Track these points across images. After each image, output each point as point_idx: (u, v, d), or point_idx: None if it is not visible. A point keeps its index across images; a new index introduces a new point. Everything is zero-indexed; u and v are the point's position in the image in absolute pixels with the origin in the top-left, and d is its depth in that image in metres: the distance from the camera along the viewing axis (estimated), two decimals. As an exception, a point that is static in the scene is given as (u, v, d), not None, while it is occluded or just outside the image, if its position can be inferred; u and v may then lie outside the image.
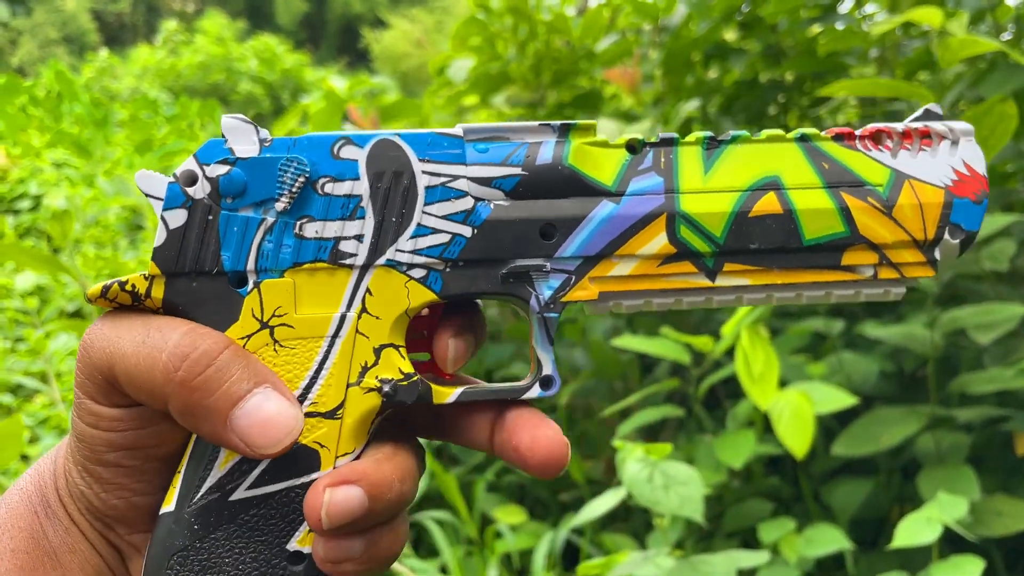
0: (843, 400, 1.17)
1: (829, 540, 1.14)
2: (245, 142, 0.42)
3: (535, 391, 0.45)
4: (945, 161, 0.46)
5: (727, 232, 0.44)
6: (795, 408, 1.12)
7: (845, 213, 0.45)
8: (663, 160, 0.45)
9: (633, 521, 1.70)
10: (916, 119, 0.47)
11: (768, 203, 0.45)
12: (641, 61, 2.17)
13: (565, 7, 2.05)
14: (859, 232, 0.45)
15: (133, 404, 0.41)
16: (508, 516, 1.62)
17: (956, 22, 1.05)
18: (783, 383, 1.32)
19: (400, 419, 0.47)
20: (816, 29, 1.87)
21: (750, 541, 1.44)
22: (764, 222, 0.44)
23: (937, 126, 0.46)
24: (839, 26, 1.75)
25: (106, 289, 0.42)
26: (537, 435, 0.42)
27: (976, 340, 1.37)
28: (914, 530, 1.05)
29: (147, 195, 0.42)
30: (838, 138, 0.46)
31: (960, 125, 0.46)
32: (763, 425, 1.38)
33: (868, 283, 0.46)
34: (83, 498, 0.43)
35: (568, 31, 1.94)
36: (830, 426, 1.58)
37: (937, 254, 0.46)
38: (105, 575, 0.44)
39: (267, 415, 0.39)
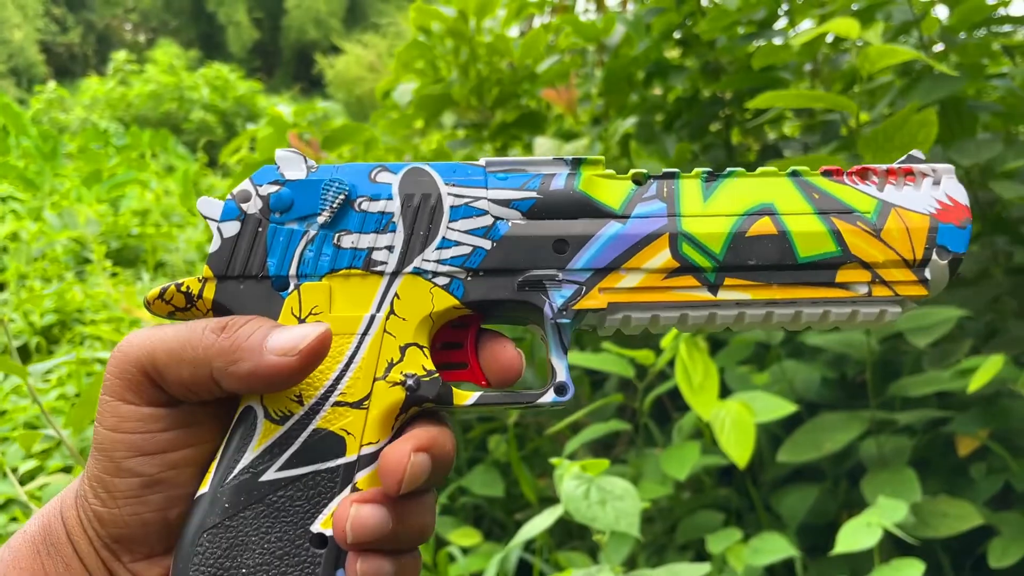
0: (783, 408, 1.18)
1: (775, 548, 1.15)
2: (295, 169, 0.48)
3: (549, 396, 0.48)
4: (928, 194, 0.50)
5: (726, 249, 0.48)
6: (736, 418, 1.13)
7: (836, 235, 0.48)
8: (666, 190, 0.49)
9: (589, 539, 1.70)
10: (900, 163, 0.51)
11: (763, 225, 0.48)
12: (585, 80, 2.19)
13: (506, 29, 2.07)
14: (851, 251, 0.48)
15: (162, 402, 0.44)
16: (462, 538, 1.61)
17: (872, 32, 1.08)
18: (728, 393, 1.33)
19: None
20: (754, 46, 1.91)
21: (703, 553, 1.45)
22: (760, 241, 0.48)
23: (920, 167, 0.50)
24: (777, 41, 1.79)
25: (163, 291, 0.47)
26: (389, 450, 0.44)
27: (914, 344, 1.40)
28: (855, 535, 1.06)
29: (206, 217, 0.48)
30: (827, 174, 0.50)
31: (942, 166, 0.50)
32: (710, 436, 1.39)
33: (864, 301, 0.49)
34: (94, 520, 0.44)
35: (509, 52, 1.96)
36: (778, 434, 1.59)
37: (928, 274, 0.49)
38: None
39: (295, 332, 0.43)
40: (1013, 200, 1.48)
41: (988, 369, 1.28)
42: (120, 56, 11.75)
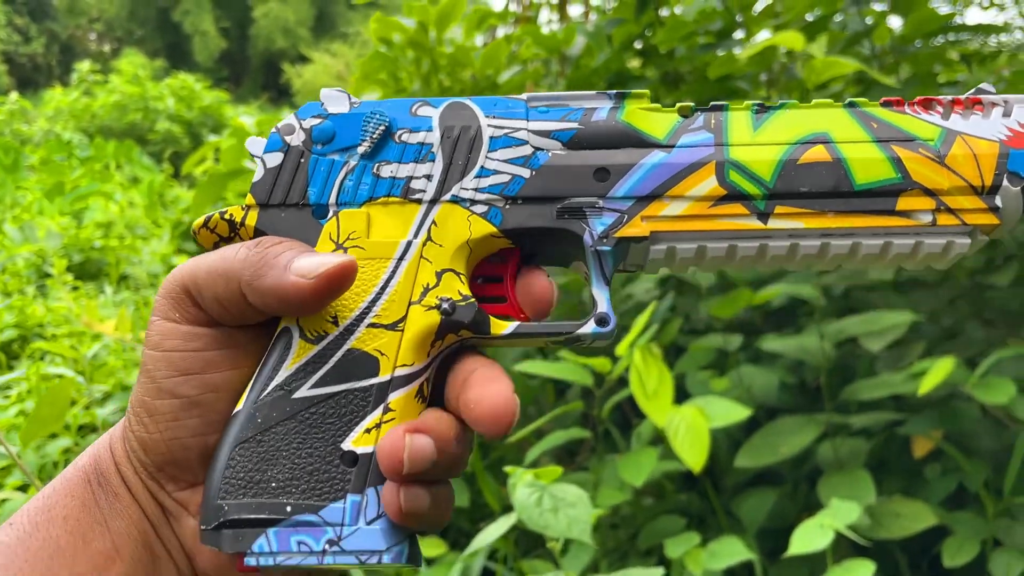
0: (738, 413, 1.20)
1: (732, 552, 1.16)
2: (338, 105, 0.49)
3: (590, 327, 0.47)
4: (998, 122, 0.47)
5: (776, 176, 0.46)
6: (690, 423, 1.15)
7: (896, 162, 0.46)
8: (713, 121, 0.48)
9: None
10: (969, 95, 0.49)
11: (817, 153, 0.46)
12: (548, 91, 2.21)
13: (468, 40, 2.08)
14: (912, 178, 0.46)
15: (201, 321, 0.46)
16: (427, 549, 1.61)
17: (817, 45, 1.10)
18: (686, 399, 1.35)
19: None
20: (713, 56, 1.94)
21: (665, 558, 1.46)
22: (814, 168, 0.46)
23: (990, 97, 0.48)
24: (736, 51, 1.82)
25: (208, 219, 0.48)
26: (485, 392, 0.44)
27: (867, 348, 1.42)
28: (808, 537, 1.08)
29: (253, 155, 0.49)
30: (887, 104, 0.48)
31: (1014, 96, 0.48)
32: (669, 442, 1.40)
33: (928, 231, 0.46)
34: (138, 449, 0.46)
35: (471, 63, 1.97)
36: (739, 439, 1.61)
37: (998, 201, 0.46)
38: (149, 537, 0.47)
39: (319, 258, 0.44)
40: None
41: (938, 372, 1.30)
42: (84, 66, 11.61)
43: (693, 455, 1.13)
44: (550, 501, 0.84)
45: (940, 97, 0.48)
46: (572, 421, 1.66)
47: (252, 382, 0.46)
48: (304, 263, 0.44)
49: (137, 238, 4.43)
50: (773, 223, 0.46)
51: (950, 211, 0.46)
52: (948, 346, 1.62)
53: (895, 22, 1.94)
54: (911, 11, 1.68)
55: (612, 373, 1.30)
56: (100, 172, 6.36)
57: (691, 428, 1.14)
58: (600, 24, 2.08)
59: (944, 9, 2.33)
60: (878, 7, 1.74)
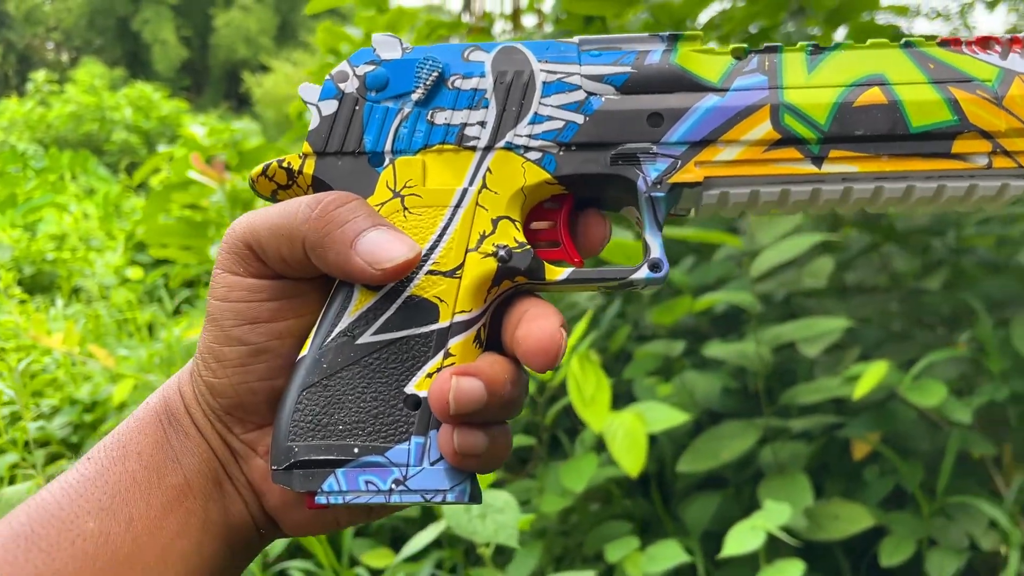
0: (675, 418, 1.22)
1: (670, 555, 1.18)
2: (391, 50, 0.49)
3: (643, 272, 0.47)
4: None
5: (831, 120, 0.46)
6: (628, 428, 1.16)
7: (953, 103, 0.46)
8: (767, 63, 0.47)
9: (505, 554, 1.71)
10: None
11: (872, 95, 0.46)
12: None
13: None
14: (969, 120, 0.45)
15: (265, 275, 0.47)
16: (374, 559, 1.61)
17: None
18: (628, 404, 1.36)
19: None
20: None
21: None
22: (869, 111, 0.46)
23: None
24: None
25: (266, 168, 0.49)
26: (532, 328, 0.45)
27: (804, 353, 1.45)
28: (742, 538, 1.10)
29: (307, 103, 0.49)
30: (944, 44, 0.47)
31: None
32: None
33: (983, 174, 0.46)
34: (207, 393, 0.48)
35: (419, 73, 1.98)
36: (686, 444, 1.63)
37: None
38: (219, 475, 0.48)
39: (386, 240, 0.44)
40: (898, 212, 1.54)
41: (872, 375, 1.33)
42: (39, 76, 11.43)
43: (630, 460, 1.15)
44: (478, 507, 0.85)
45: (999, 36, 0.47)
46: (519, 429, 1.67)
47: (316, 328, 0.47)
48: (370, 246, 0.44)
49: (91, 250, 4.37)
50: (827, 167, 0.46)
51: (1007, 153, 0.46)
52: (886, 350, 1.65)
53: (841, 33, 1.98)
54: (849, 22, 1.72)
55: (553, 380, 1.31)
56: (55, 183, 6.26)
57: (629, 434, 1.15)
58: (546, 36, 2.10)
59: (891, 21, 2.38)
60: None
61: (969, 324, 1.62)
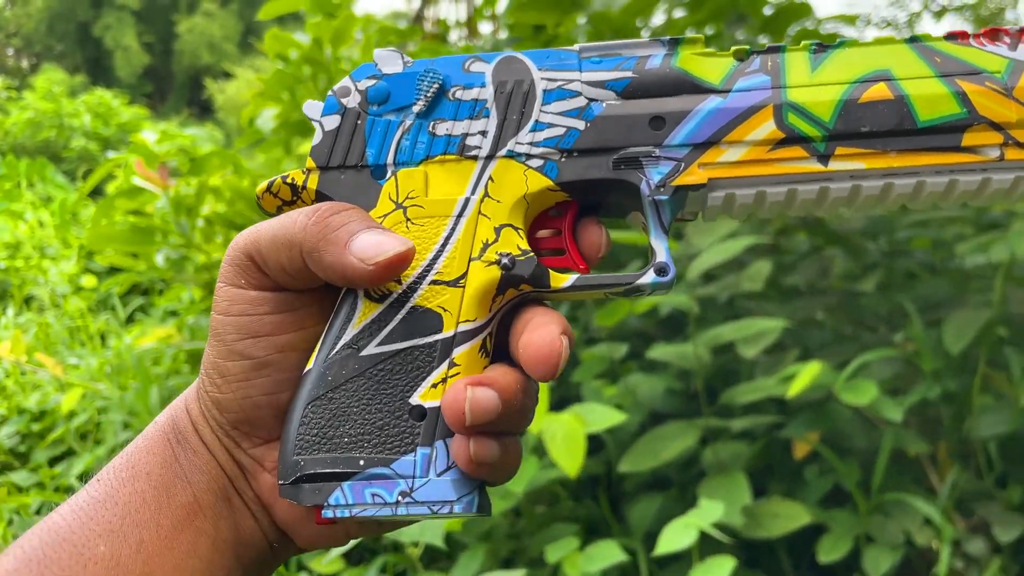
0: (614, 418, 1.23)
1: (607, 555, 1.19)
2: (392, 64, 0.49)
3: (650, 277, 0.47)
4: None
5: (836, 117, 0.45)
6: (566, 430, 1.17)
7: (961, 96, 0.45)
8: (770, 63, 0.47)
9: (456, 557, 1.72)
10: None
11: (878, 91, 0.45)
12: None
13: (367, 57, 2.09)
14: (978, 112, 0.45)
15: (267, 287, 0.47)
16: (325, 567, 1.61)
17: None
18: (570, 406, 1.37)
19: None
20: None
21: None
22: (875, 107, 0.45)
23: None
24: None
25: (270, 184, 0.49)
26: (533, 336, 0.45)
27: (743, 353, 1.48)
28: (676, 536, 1.12)
29: (310, 119, 0.49)
30: (950, 37, 0.47)
31: None
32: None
33: (996, 167, 0.45)
34: (213, 408, 0.48)
35: (368, 79, 1.98)
36: (630, 445, 1.65)
37: None
38: (228, 491, 0.48)
39: (379, 239, 0.45)
40: (829, 215, 1.58)
41: (806, 375, 1.36)
42: (-3, 82, 11.24)
43: (569, 461, 1.16)
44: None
45: (1008, 27, 0.47)
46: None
47: (321, 341, 0.47)
48: (364, 244, 0.45)
49: (46, 258, 4.30)
50: (834, 165, 0.45)
51: (1019, 145, 0.45)
52: (827, 351, 1.69)
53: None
54: (784, 31, 1.76)
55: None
56: (10, 191, 6.15)
57: (567, 435, 1.17)
58: (498, 43, 2.12)
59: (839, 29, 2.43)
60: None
61: (905, 325, 1.66)
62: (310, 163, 0.49)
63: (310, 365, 0.47)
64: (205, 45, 23.31)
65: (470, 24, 2.89)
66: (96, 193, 6.99)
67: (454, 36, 2.93)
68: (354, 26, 1.95)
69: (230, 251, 0.48)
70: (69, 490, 2.31)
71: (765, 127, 0.46)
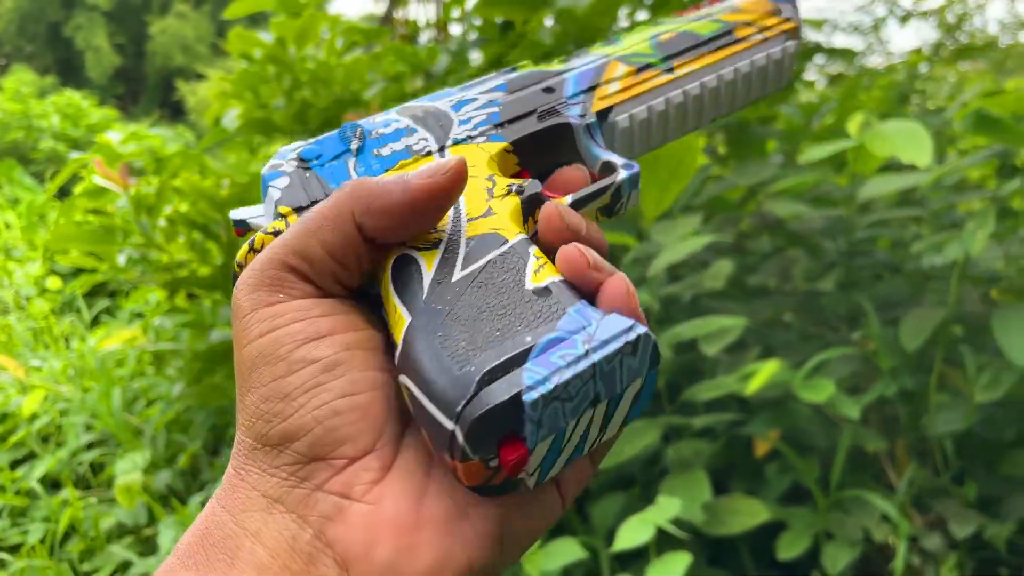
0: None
1: (567, 552, 1.20)
2: (296, 148, 0.52)
3: (622, 173, 0.52)
4: None
5: (655, 48, 0.60)
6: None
7: (713, 18, 0.62)
8: (589, 54, 0.60)
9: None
10: None
11: (667, 33, 0.61)
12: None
13: (331, 56, 2.09)
14: (730, 21, 0.62)
15: (310, 294, 0.42)
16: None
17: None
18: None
19: None
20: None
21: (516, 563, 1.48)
22: (673, 39, 0.60)
23: None
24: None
25: (251, 243, 0.47)
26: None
27: (704, 351, 1.49)
28: (633, 532, 1.12)
29: (264, 189, 0.50)
30: (681, 9, 0.65)
31: None
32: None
33: (767, 45, 0.62)
34: (280, 444, 0.39)
35: (333, 80, 1.98)
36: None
37: (784, 13, 0.64)
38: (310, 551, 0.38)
39: (430, 164, 0.44)
40: (789, 216, 1.60)
41: (765, 372, 1.37)
42: (-37, 83, 11.07)
43: (526, 458, 1.16)
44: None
45: None
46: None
47: (402, 304, 0.42)
48: (421, 171, 0.43)
49: (12, 260, 4.25)
50: (678, 71, 0.59)
51: (767, 28, 0.63)
52: (790, 350, 1.70)
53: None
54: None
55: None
56: (-24, 193, 6.06)
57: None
58: (464, 42, 2.12)
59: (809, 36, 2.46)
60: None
61: (863, 324, 1.68)
62: (284, 210, 0.48)
63: (401, 335, 0.41)
64: (178, 46, 23.12)
65: (439, 25, 2.89)
66: (64, 194, 6.90)
67: (424, 38, 2.93)
68: (319, 25, 1.95)
69: (252, 274, 0.42)
70: (30, 493, 2.28)
71: (621, 68, 0.58)
